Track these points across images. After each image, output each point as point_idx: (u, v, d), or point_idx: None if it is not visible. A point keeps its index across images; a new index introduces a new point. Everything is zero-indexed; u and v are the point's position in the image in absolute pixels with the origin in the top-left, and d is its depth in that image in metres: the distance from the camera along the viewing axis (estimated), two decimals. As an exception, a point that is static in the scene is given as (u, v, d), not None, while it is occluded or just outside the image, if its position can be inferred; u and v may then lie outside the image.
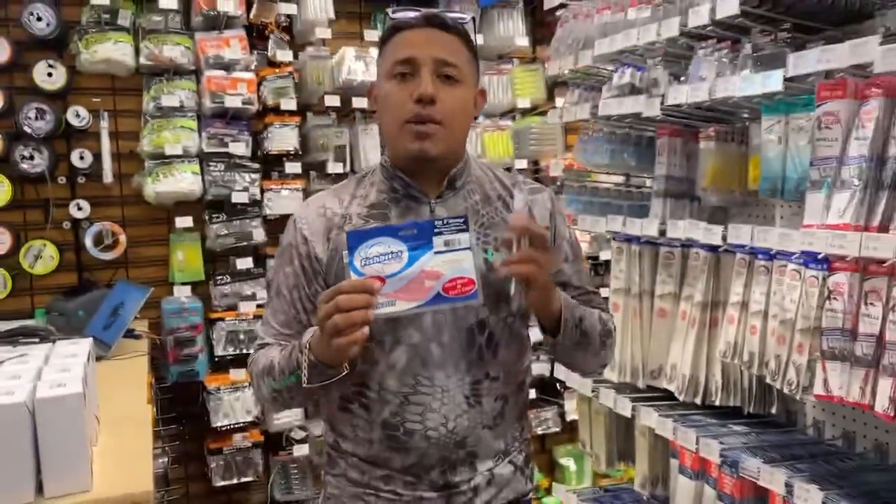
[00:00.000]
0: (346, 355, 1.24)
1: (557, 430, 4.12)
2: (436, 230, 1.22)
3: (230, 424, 3.36)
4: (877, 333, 1.51)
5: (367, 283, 1.19)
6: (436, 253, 1.22)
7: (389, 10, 1.43)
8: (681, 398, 2.19)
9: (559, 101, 3.77)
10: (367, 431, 1.43)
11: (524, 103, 3.86)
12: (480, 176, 1.51)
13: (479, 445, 1.43)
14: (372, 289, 1.19)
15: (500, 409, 1.45)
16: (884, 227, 1.48)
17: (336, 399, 1.46)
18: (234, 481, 3.42)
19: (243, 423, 3.38)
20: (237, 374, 3.38)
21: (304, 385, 1.30)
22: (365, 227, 1.30)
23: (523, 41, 3.80)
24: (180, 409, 3.40)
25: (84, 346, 1.99)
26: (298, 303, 1.44)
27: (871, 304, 1.53)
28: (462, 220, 1.24)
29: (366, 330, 1.19)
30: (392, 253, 1.21)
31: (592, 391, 2.48)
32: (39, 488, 1.53)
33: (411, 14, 1.40)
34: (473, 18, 1.47)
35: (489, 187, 1.50)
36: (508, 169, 3.75)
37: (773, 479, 1.74)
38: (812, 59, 1.57)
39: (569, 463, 4.22)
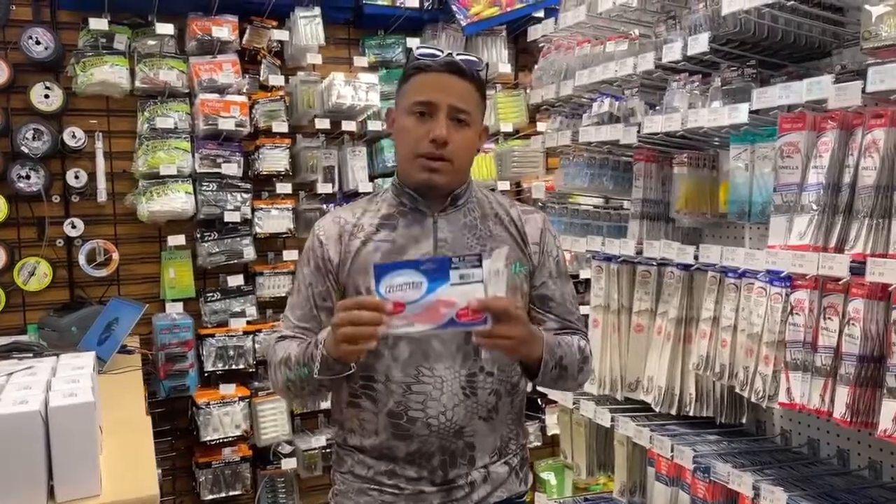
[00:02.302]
0: (351, 358, 1.43)
1: (538, 444, 4.21)
2: (452, 265, 1.37)
3: (219, 439, 3.42)
4: (834, 346, 1.65)
5: (381, 304, 1.35)
6: (452, 285, 1.36)
7: (415, 48, 1.62)
8: (657, 409, 2.31)
9: (540, 126, 3.93)
10: (374, 422, 1.57)
11: (507, 127, 3.98)
12: (481, 197, 1.69)
13: (477, 437, 1.57)
14: (384, 309, 1.35)
15: (494, 404, 1.58)
16: (839, 249, 1.62)
17: (346, 396, 1.61)
18: (223, 495, 3.47)
19: (232, 437, 3.43)
20: (227, 390, 3.45)
21: (315, 376, 1.47)
22: (391, 262, 1.46)
23: (506, 68, 3.94)
24: (170, 424, 3.47)
25: (88, 359, 2.07)
26: (312, 298, 1.62)
27: (829, 318, 1.66)
28: (476, 257, 1.38)
29: (372, 343, 1.36)
30: (413, 283, 1.36)
31: (573, 403, 2.60)
32: (51, 493, 1.61)
33: (434, 56, 1.57)
34: (487, 64, 1.65)
35: (487, 206, 1.68)
36: (492, 190, 3.89)
37: (742, 482, 1.86)
38: (774, 95, 1.72)
39: (549, 477, 4.31)
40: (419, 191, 1.60)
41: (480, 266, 1.37)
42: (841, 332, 1.62)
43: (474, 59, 1.60)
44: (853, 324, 1.59)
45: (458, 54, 1.58)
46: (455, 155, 1.55)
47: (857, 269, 1.54)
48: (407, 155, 1.58)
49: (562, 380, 1.62)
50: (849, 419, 1.59)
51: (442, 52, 1.57)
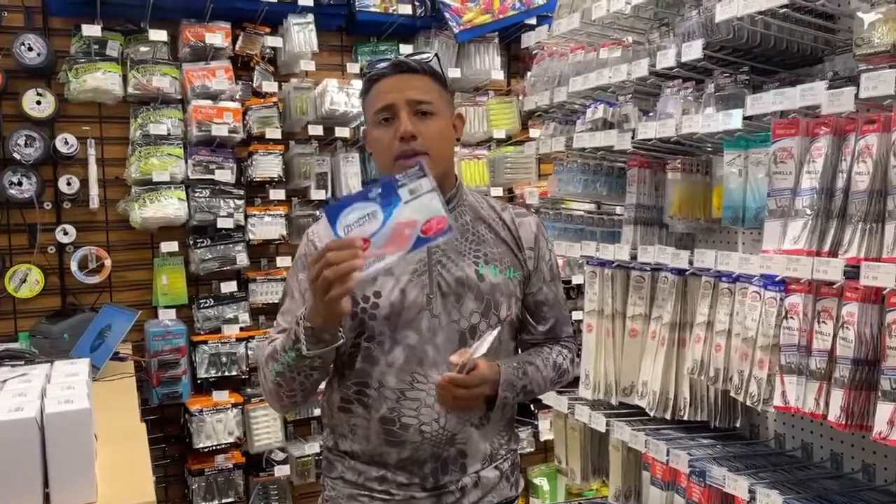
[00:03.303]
0: (338, 310, 1.36)
1: (531, 450, 4.22)
2: (399, 183, 1.34)
3: (212, 446, 3.41)
4: (829, 349, 1.66)
5: (350, 240, 1.32)
6: (405, 203, 1.34)
7: (365, 66, 1.63)
8: (651, 414, 2.31)
9: (532, 132, 3.95)
10: (366, 428, 1.56)
11: (499, 134, 4.00)
12: (472, 201, 1.68)
13: (469, 444, 1.57)
14: (354, 244, 1.31)
15: (486, 411, 1.59)
16: (833, 253, 1.63)
17: (337, 400, 1.60)
18: (215, 502, 3.45)
19: (225, 444, 3.43)
20: (220, 396, 3.44)
21: (303, 353, 1.41)
22: (338, 201, 1.43)
23: (498, 74, 3.96)
24: (162, 431, 3.46)
25: (83, 365, 2.06)
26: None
27: (823, 322, 1.67)
28: (419, 168, 1.36)
29: (354, 282, 1.31)
30: (368, 214, 1.33)
31: (568, 408, 2.60)
32: (47, 500, 1.60)
33: (382, 65, 1.58)
34: (437, 55, 1.65)
35: (479, 210, 1.67)
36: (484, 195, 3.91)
37: (738, 486, 1.87)
38: (767, 101, 1.73)
39: (542, 483, 4.32)
40: None
41: (425, 174, 1.34)
42: (835, 335, 1.64)
43: (425, 54, 1.62)
44: (847, 327, 1.60)
45: (407, 55, 1.60)
46: (429, 145, 1.53)
47: (851, 272, 1.56)
48: (385, 163, 1.57)
49: (528, 398, 1.68)
50: (844, 422, 1.60)
51: (390, 59, 1.59)
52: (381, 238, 1.32)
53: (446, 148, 1.61)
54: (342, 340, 1.46)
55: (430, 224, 1.33)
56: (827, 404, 1.65)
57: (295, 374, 1.48)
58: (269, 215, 3.58)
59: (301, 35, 3.53)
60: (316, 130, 3.62)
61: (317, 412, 3.58)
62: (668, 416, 2.28)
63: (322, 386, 1.68)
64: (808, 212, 1.69)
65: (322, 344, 1.42)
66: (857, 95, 1.52)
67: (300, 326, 1.43)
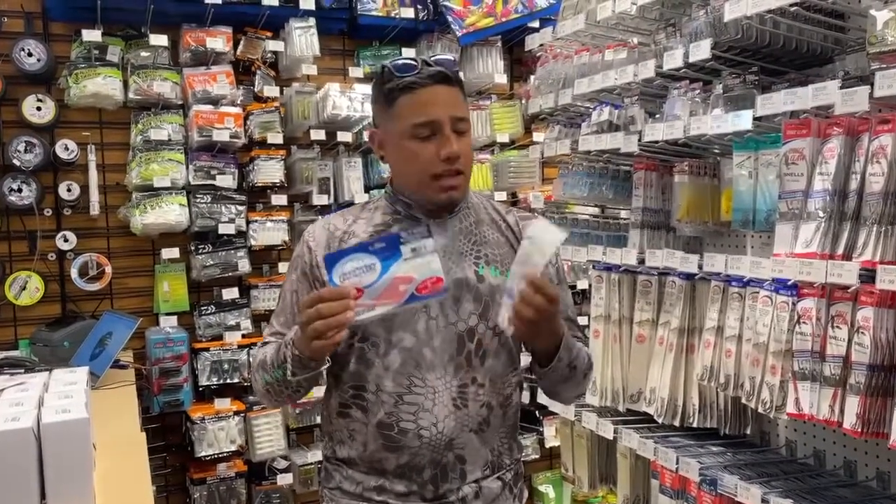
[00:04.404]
0: (324, 354, 1.42)
1: (536, 457, 4.17)
2: (401, 241, 1.37)
3: (214, 454, 3.37)
4: (843, 355, 1.62)
5: (344, 291, 1.34)
6: (405, 260, 1.36)
7: (388, 63, 1.52)
8: (660, 421, 2.28)
9: (536, 136, 3.91)
10: (363, 433, 1.54)
11: (503, 138, 3.97)
12: (475, 203, 1.66)
13: (467, 449, 1.53)
14: (348, 295, 1.34)
15: (486, 416, 1.55)
16: (847, 256, 1.60)
17: (335, 405, 1.58)
18: (217, 512, 3.42)
19: (227, 452, 3.39)
20: (221, 404, 3.40)
21: (289, 378, 1.45)
22: (338, 249, 1.44)
23: (501, 78, 3.92)
24: (164, 440, 3.42)
25: (81, 374, 2.03)
26: (296, 305, 1.58)
27: (838, 327, 1.64)
28: (426, 229, 1.39)
29: (343, 333, 1.35)
30: (366, 266, 1.36)
31: (575, 415, 2.56)
32: (44, 512, 1.57)
33: (414, 69, 1.49)
34: (455, 59, 1.61)
35: (483, 212, 1.65)
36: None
37: (750, 494, 1.83)
38: (778, 101, 1.70)
39: (548, 490, 4.27)
40: (430, 205, 1.55)
41: (430, 236, 1.37)
42: (850, 340, 1.60)
43: (449, 59, 1.58)
44: (863, 332, 1.57)
45: (433, 59, 1.53)
46: (465, 164, 1.52)
47: (867, 276, 1.52)
48: (420, 178, 1.51)
49: (567, 382, 1.59)
50: (859, 430, 1.57)
51: (415, 61, 1.51)
52: (375, 290, 1.36)
53: (472, 163, 1.60)
54: (328, 365, 1.49)
55: (426, 283, 1.37)
56: (842, 411, 1.62)
57: (283, 388, 1.52)
58: (271, 221, 3.54)
59: (303, 39, 3.51)
60: (318, 135, 3.59)
61: (318, 419, 3.54)
62: (676, 423, 2.25)
63: (321, 393, 1.69)
64: (821, 214, 1.65)
65: (307, 370, 1.45)
66: (871, 95, 1.48)
67: (288, 349, 1.44)
